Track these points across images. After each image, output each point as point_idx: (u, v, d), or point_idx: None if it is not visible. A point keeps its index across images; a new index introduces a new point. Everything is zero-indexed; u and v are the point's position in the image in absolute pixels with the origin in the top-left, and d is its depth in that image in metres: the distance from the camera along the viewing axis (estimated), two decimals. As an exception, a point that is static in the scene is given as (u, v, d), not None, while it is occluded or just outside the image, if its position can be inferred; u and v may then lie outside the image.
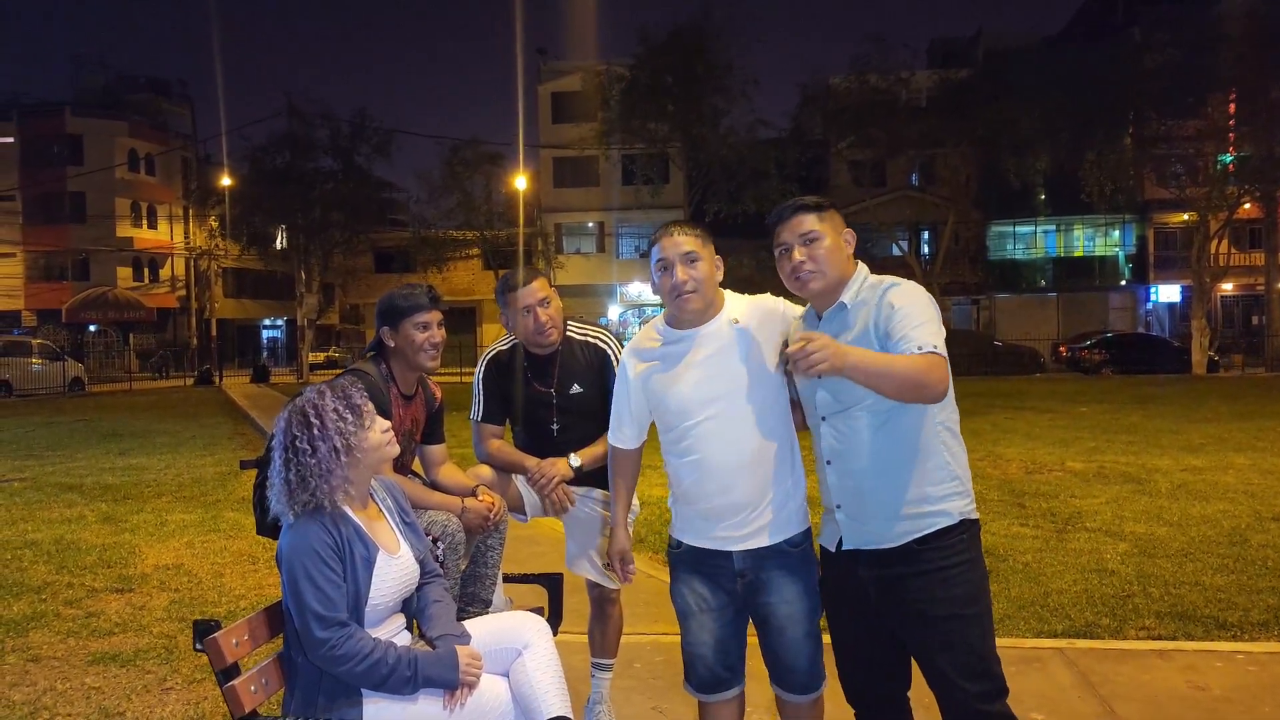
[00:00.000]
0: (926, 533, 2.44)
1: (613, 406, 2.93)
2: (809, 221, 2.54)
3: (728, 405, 2.65)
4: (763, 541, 2.66)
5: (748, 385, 2.66)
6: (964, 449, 2.56)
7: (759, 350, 2.69)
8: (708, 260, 2.70)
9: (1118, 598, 5.35)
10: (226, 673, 2.32)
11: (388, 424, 2.63)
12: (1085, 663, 4.32)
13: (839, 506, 2.55)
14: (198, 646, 2.32)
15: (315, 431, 2.47)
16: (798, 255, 2.52)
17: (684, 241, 2.67)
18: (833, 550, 2.59)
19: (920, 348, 2.30)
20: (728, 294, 2.79)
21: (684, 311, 2.69)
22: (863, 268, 2.61)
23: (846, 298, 2.53)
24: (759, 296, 2.82)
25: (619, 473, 2.99)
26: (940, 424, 2.49)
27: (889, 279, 2.54)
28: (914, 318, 2.38)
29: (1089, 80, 29.13)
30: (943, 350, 2.34)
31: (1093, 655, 4.43)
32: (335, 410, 2.50)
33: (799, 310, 2.73)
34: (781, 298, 2.81)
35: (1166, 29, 29.97)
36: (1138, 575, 5.80)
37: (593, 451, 3.42)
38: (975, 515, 2.52)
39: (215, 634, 2.33)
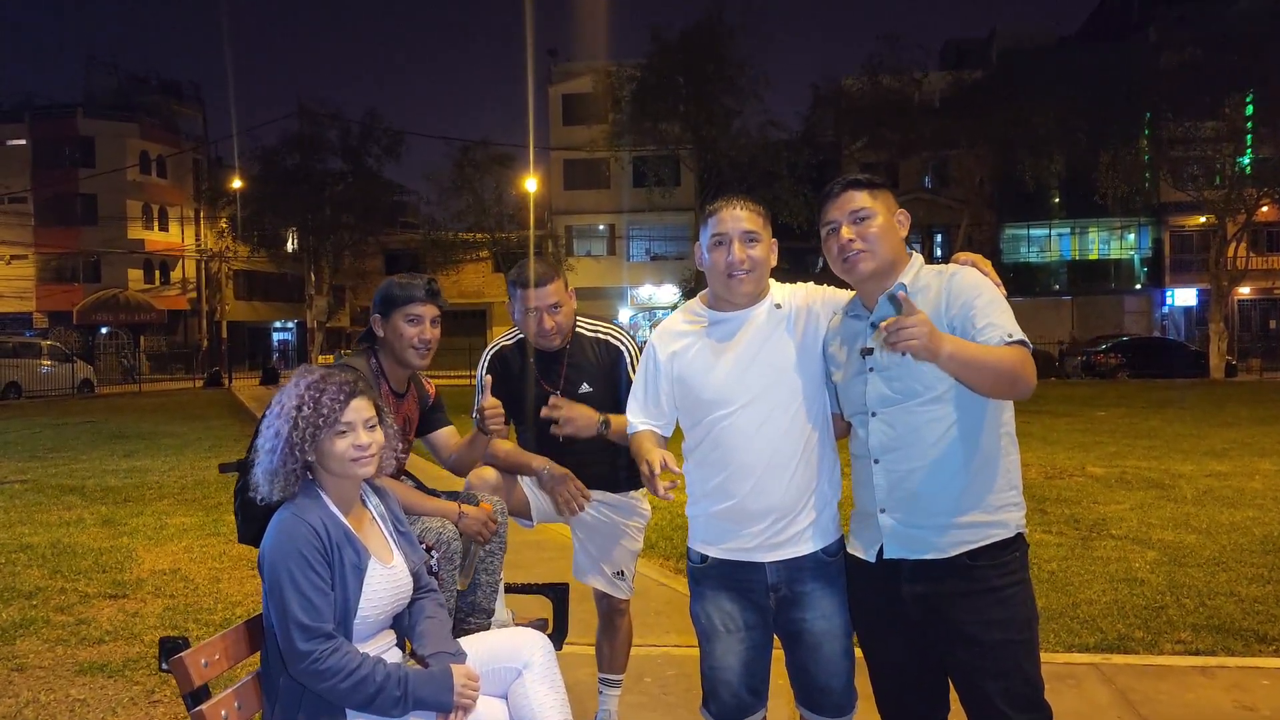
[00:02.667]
0: (981, 545, 2.22)
1: (632, 391, 2.67)
2: (860, 198, 2.32)
3: (767, 396, 2.42)
4: (798, 550, 2.43)
5: (790, 376, 2.43)
6: (1019, 457, 2.35)
7: (803, 339, 2.47)
8: (766, 242, 2.49)
9: (1150, 609, 5.12)
10: (195, 696, 2.10)
11: (369, 441, 2.34)
12: (1123, 680, 4.09)
13: (884, 510, 2.30)
14: (163, 667, 2.10)
15: (286, 409, 2.32)
16: (846, 234, 2.30)
17: (745, 218, 2.45)
18: (871, 561, 2.35)
19: (1010, 335, 2.12)
20: (770, 280, 2.57)
21: (733, 294, 2.48)
22: (918, 255, 2.39)
23: (905, 279, 2.31)
24: (803, 284, 2.60)
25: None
26: (1003, 426, 2.28)
27: (952, 266, 2.33)
28: (997, 304, 2.19)
29: (1104, 80, 28.87)
30: (1029, 342, 2.15)
31: (1130, 671, 4.20)
32: (309, 399, 2.31)
33: (846, 297, 2.50)
34: (826, 285, 2.59)
35: (1183, 28, 29.65)
36: (1169, 585, 5.57)
37: (622, 420, 3.17)
38: (1025, 529, 2.31)
39: (183, 653, 2.11)
